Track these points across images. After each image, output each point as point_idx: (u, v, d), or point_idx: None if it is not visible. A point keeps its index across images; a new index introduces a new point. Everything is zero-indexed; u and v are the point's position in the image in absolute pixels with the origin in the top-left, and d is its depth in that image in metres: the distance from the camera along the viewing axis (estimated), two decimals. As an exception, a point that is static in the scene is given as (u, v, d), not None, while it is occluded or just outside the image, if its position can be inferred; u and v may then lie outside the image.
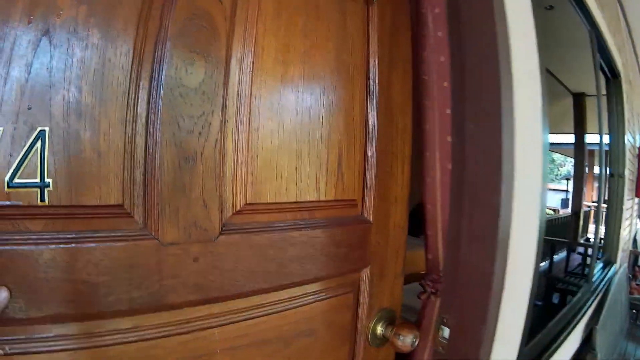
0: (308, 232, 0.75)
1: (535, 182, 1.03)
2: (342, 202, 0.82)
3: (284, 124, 0.71)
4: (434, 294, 0.96)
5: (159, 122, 0.56)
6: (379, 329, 0.85)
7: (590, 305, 2.14)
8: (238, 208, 0.67)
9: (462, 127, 0.88)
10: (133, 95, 0.54)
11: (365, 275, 0.84)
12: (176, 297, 0.58)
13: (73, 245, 0.50)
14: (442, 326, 0.89)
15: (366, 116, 0.83)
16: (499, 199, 0.84)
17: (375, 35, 0.83)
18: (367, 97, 0.83)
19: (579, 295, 2.18)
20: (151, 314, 0.57)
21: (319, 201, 0.78)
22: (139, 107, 0.55)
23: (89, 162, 0.51)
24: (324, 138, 0.77)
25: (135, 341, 0.55)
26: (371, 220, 0.85)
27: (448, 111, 0.92)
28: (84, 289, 0.50)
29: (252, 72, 0.66)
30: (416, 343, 0.80)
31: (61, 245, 0.49)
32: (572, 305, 2.03)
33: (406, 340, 0.80)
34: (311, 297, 0.76)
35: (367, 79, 0.83)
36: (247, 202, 0.68)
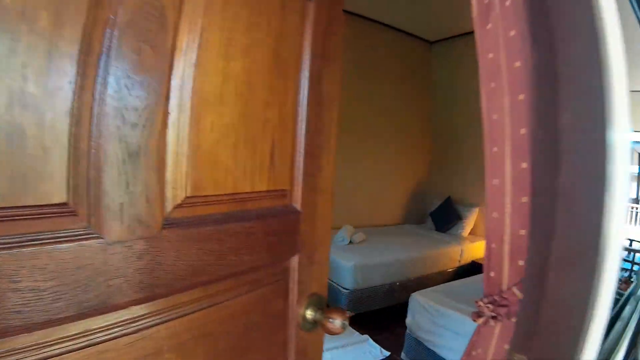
0: (243, 223, 0.76)
1: (624, 189, 0.79)
2: (274, 192, 0.84)
3: (224, 117, 0.70)
4: (494, 319, 0.84)
5: (103, 114, 0.53)
6: (309, 314, 0.89)
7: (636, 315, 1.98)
8: (179, 202, 0.65)
9: (551, 118, 0.70)
10: (79, 86, 0.50)
11: (295, 262, 0.87)
12: (122, 297, 0.56)
13: (16, 250, 0.45)
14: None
15: (297, 110, 0.85)
16: (601, 213, 0.67)
17: (311, 31, 0.85)
18: (299, 92, 0.85)
19: (629, 306, 2.01)
20: (99, 317, 0.54)
21: (253, 192, 0.79)
22: (84, 99, 0.51)
23: (34, 158, 0.46)
24: (259, 131, 0.78)
25: (86, 346, 0.52)
26: (300, 209, 0.88)
27: (522, 97, 0.77)
28: (31, 297, 0.46)
29: (195, 64, 0.64)
30: (346, 325, 0.85)
31: (4, 252, 0.44)
32: (623, 316, 1.86)
33: (336, 322, 0.85)
34: (247, 286, 0.77)
35: (300, 73, 0.85)
36: (188, 195, 0.67)
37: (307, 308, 0.89)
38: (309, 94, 0.86)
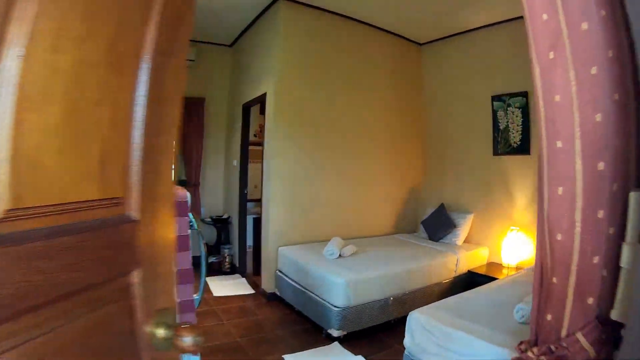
0: (74, 236, 0.74)
1: None
2: (107, 201, 0.83)
3: (50, 118, 0.68)
4: None
5: None
6: (160, 332, 0.89)
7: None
8: (-1, 216, 0.63)
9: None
10: None
11: (137, 277, 0.87)
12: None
13: None
14: None
15: (134, 109, 0.86)
16: None
17: (156, 23, 0.86)
18: (136, 89, 0.86)
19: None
20: None
21: (83, 201, 0.77)
22: None
23: None
24: (89, 133, 0.77)
25: None
26: (138, 218, 0.89)
27: (595, 70, 0.65)
28: None
29: (22, 57, 0.62)
30: (199, 341, 0.86)
31: None
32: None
33: (188, 340, 0.86)
34: (86, 307, 0.75)
35: (140, 69, 0.86)
36: (8, 208, 0.64)
37: (157, 326, 0.89)
38: (148, 91, 0.88)
